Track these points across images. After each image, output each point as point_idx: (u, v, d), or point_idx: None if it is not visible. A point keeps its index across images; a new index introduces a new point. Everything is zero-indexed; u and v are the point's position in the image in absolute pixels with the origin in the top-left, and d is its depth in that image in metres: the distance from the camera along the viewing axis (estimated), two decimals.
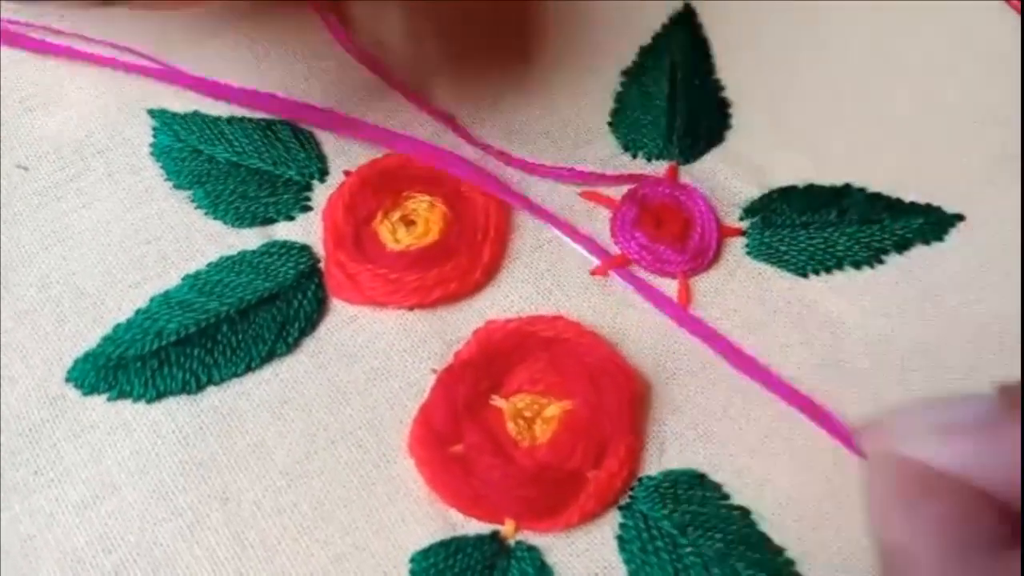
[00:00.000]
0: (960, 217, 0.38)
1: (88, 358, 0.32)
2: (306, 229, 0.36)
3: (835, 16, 0.43)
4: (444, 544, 0.30)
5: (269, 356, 0.33)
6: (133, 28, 0.39)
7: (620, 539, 0.30)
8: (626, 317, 0.35)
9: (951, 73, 0.42)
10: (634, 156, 0.39)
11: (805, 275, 0.36)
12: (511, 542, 0.30)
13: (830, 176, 0.39)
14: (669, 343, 0.34)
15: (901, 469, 0.25)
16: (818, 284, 0.36)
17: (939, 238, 0.37)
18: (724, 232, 0.37)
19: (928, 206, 0.38)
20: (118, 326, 0.33)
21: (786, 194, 0.38)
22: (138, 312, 0.33)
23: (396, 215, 0.36)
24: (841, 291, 0.36)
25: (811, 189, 0.38)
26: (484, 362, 0.32)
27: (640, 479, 0.31)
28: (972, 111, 0.41)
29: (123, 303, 0.34)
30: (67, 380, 0.32)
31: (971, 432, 0.25)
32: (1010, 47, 0.43)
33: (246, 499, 0.31)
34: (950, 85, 0.42)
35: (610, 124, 0.39)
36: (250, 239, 0.35)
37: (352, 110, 0.38)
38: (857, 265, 0.36)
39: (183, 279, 0.34)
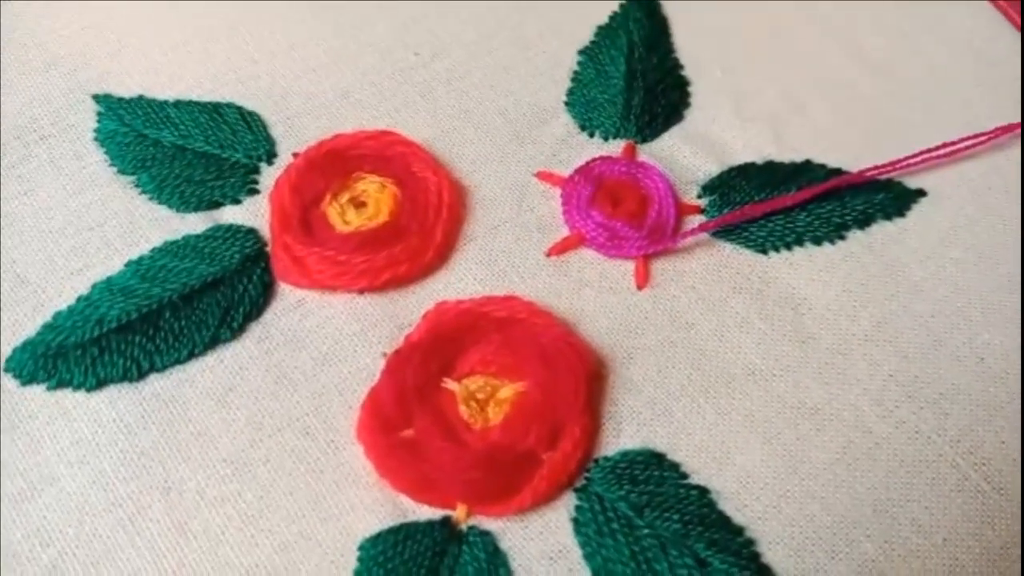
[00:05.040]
0: (922, 192, 0.37)
1: (27, 347, 0.31)
2: (253, 212, 0.35)
3: None
4: (393, 531, 0.29)
5: (213, 342, 0.32)
6: None
7: (575, 521, 0.29)
8: (583, 297, 0.34)
9: (912, 50, 0.42)
10: (591, 135, 0.38)
11: (765, 252, 0.35)
12: (463, 527, 0.29)
13: (790, 153, 0.38)
14: (627, 322, 0.33)
15: None
16: (779, 261, 0.35)
17: (901, 214, 0.37)
18: (682, 209, 0.36)
19: (890, 181, 0.37)
20: (58, 314, 0.32)
21: (745, 171, 0.37)
22: (79, 299, 0.32)
23: (345, 196, 0.35)
24: (802, 267, 0.35)
25: (770, 166, 0.37)
26: (434, 344, 0.31)
27: (596, 460, 0.31)
28: (932, 87, 0.40)
29: (64, 290, 0.33)
30: (5, 370, 0.31)
31: None
32: (973, 25, 0.43)
33: (189, 488, 0.30)
34: (910, 61, 0.41)
35: (567, 103, 0.39)
36: (196, 223, 0.34)
37: None
38: (818, 241, 0.36)
39: (126, 265, 0.33)
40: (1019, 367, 0.33)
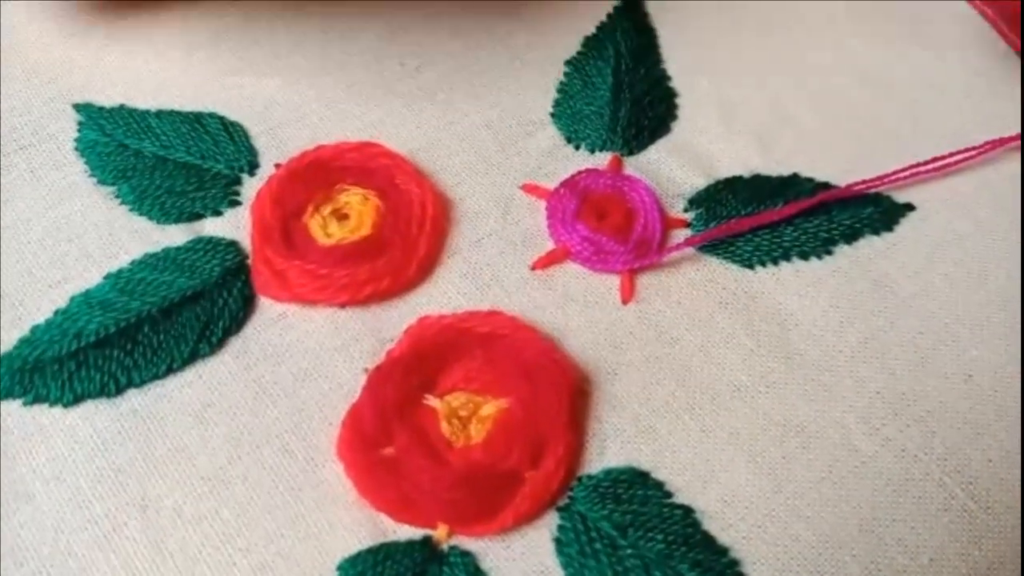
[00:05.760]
0: (910, 207, 0.37)
1: (3, 361, 0.31)
2: (234, 224, 0.34)
3: (783, 6, 0.43)
4: (372, 551, 0.28)
5: (192, 357, 0.31)
6: None
7: (558, 541, 0.29)
8: (568, 312, 0.34)
9: (901, 63, 0.41)
10: (577, 148, 0.38)
11: (752, 267, 0.35)
12: (444, 547, 0.29)
13: (778, 167, 0.38)
14: (612, 338, 0.33)
15: None
16: (765, 276, 0.35)
17: (889, 228, 0.36)
18: (668, 223, 0.36)
19: (878, 196, 0.37)
20: (36, 327, 0.32)
21: (732, 185, 0.37)
22: (57, 312, 0.32)
23: (327, 208, 0.34)
24: (789, 283, 0.35)
25: (757, 180, 0.37)
26: (416, 360, 0.31)
27: (580, 478, 0.30)
28: (922, 100, 0.40)
29: (42, 303, 0.32)
30: None
31: None
32: (963, 38, 0.42)
33: (166, 506, 0.29)
34: (900, 75, 0.41)
35: (552, 115, 0.38)
36: (176, 235, 0.34)
37: None
38: (805, 256, 0.35)
39: (105, 278, 0.33)
40: (1008, 384, 0.33)
